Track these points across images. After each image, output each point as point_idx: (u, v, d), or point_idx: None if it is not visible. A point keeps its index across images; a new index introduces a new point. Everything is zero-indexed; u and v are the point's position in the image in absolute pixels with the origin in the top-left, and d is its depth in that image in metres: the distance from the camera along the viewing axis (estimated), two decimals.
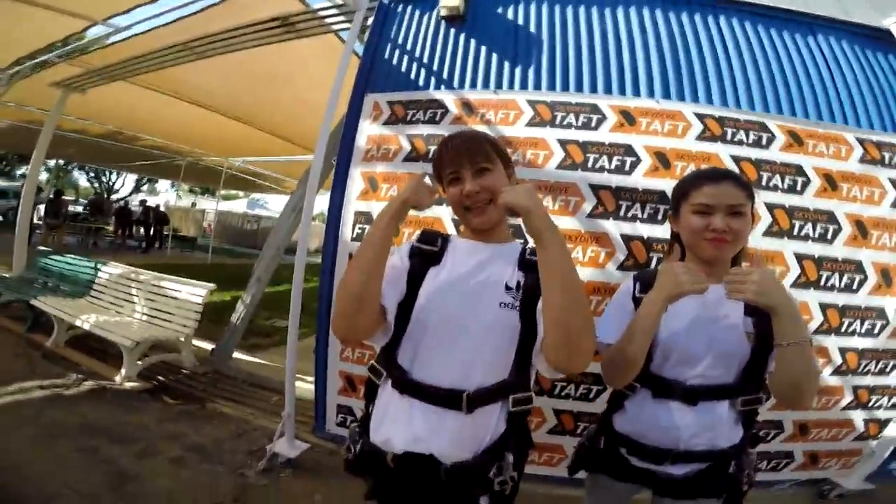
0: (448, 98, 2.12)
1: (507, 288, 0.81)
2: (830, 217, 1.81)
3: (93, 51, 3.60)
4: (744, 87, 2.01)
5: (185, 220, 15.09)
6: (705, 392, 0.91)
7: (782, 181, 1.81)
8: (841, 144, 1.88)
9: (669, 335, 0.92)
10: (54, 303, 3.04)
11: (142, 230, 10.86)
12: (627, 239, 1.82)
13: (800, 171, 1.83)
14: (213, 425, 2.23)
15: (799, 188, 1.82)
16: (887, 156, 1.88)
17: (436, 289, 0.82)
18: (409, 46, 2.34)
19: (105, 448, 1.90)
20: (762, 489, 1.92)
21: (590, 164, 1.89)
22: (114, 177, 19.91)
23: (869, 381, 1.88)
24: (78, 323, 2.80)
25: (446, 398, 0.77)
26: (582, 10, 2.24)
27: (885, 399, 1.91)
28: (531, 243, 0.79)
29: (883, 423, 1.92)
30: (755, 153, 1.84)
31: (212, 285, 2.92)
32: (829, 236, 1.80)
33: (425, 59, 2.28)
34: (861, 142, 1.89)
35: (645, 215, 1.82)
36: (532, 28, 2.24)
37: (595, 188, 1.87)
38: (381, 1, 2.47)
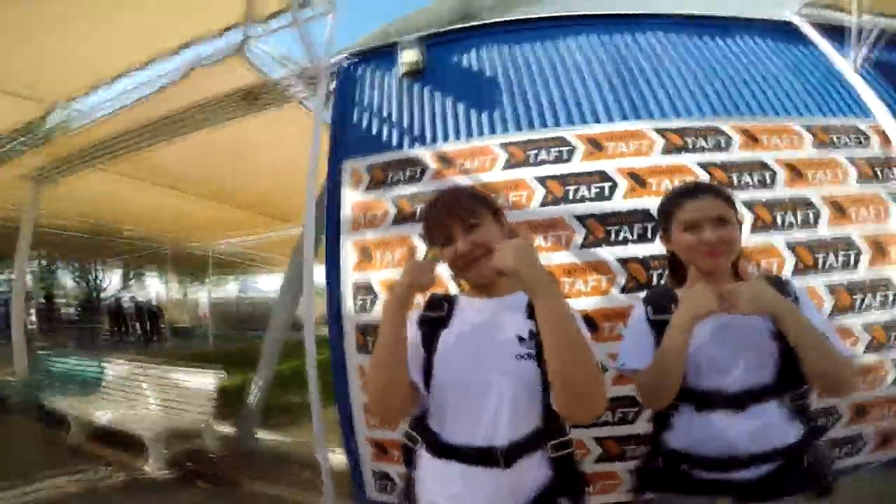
0: (424, 154, 2.22)
1: (521, 339, 0.82)
2: (808, 202, 1.92)
3: (56, 137, 3.65)
4: (689, 96, 2.19)
5: (178, 311, 15.12)
6: (748, 396, 0.91)
7: (752, 178, 1.94)
8: (792, 135, 2.04)
9: (695, 348, 0.93)
10: (67, 402, 3.20)
11: (137, 326, 11.20)
12: (624, 262, 1.87)
13: (764, 165, 1.96)
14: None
15: (769, 182, 1.94)
16: (834, 137, 2.04)
17: (447, 352, 0.85)
18: (375, 107, 2.46)
19: None
20: (843, 476, 1.85)
21: (571, 196, 1.99)
22: (100, 274, 19.82)
23: None
24: (95, 419, 2.94)
25: (480, 456, 0.78)
26: (528, 47, 2.46)
27: None
28: None
29: None
30: (719, 157, 1.98)
31: (221, 372, 3.00)
32: (811, 220, 1.90)
33: (394, 118, 2.39)
34: (808, 128, 2.06)
35: (635, 236, 1.89)
36: (489, 72, 2.42)
37: (581, 218, 1.95)
38: (340, 65, 2.62)
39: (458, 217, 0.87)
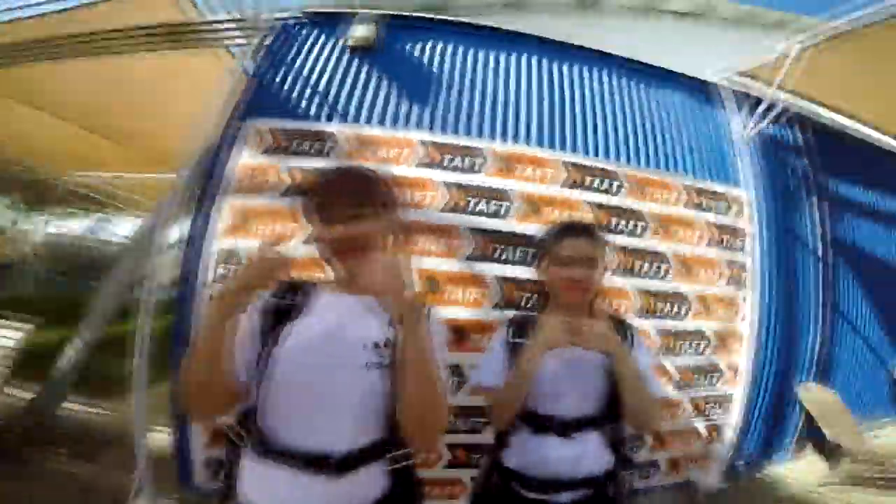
0: (339, 131, 2.14)
1: (375, 346, 0.78)
2: (662, 257, 2.22)
3: None
4: (603, 137, 2.36)
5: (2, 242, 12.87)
6: (576, 424, 1.03)
7: (627, 225, 2.19)
8: (672, 191, 2.31)
9: (545, 376, 1.03)
10: None
11: None
12: (502, 280, 2.04)
13: (640, 216, 2.22)
14: (47, 485, 2.01)
15: (639, 232, 2.21)
16: (704, 201, 2.36)
17: (293, 348, 0.77)
18: (305, 73, 2.31)
19: None
20: (640, 497, 2.24)
21: (470, 208, 2.08)
22: None
23: (701, 392, 2.33)
24: None
25: (313, 463, 0.73)
26: (486, 55, 2.45)
27: (717, 406, 2.38)
28: None
29: (720, 428, 2.39)
30: (607, 199, 2.19)
31: (29, 325, 2.49)
32: (661, 273, 2.21)
33: (321, 88, 2.26)
34: (687, 189, 2.35)
35: (516, 258, 2.05)
36: (437, 69, 2.37)
37: (474, 231, 2.06)
38: (286, 22, 2.40)
39: (348, 200, 0.81)
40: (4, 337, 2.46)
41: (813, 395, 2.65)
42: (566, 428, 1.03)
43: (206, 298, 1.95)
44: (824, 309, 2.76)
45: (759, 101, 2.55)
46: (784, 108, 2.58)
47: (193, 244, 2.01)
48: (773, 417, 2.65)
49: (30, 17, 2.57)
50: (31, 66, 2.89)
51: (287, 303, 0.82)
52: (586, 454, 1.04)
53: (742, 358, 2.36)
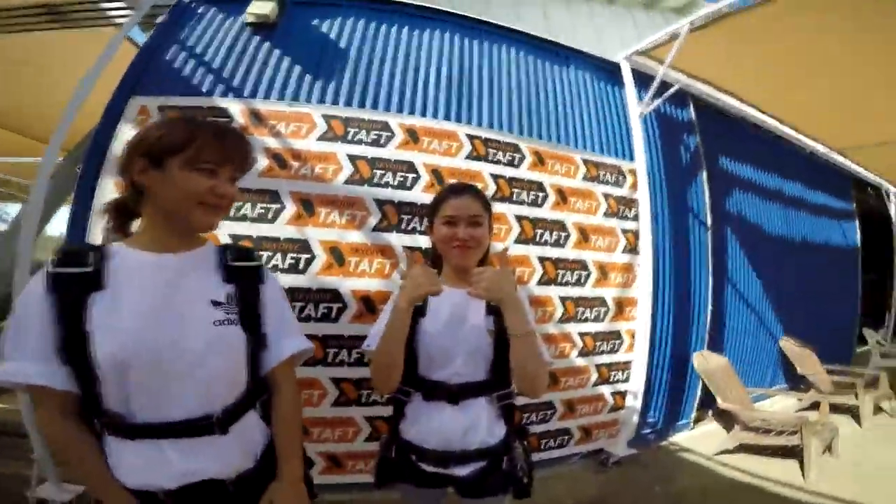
0: (234, 106, 2.22)
1: (216, 303, 0.84)
2: (562, 226, 2.53)
3: None
4: (507, 111, 2.62)
5: None
6: (462, 390, 1.08)
7: (528, 196, 2.47)
8: (571, 164, 2.63)
9: (429, 338, 1.08)
10: None
11: None
12: (408, 251, 2.20)
13: (540, 187, 2.51)
14: None
15: (540, 202, 2.50)
16: (601, 174, 2.72)
17: (120, 318, 0.77)
18: (200, 50, 2.38)
19: None
20: (556, 466, 2.53)
21: (376, 180, 2.24)
22: None
23: (605, 359, 2.67)
24: None
25: (195, 428, 0.80)
26: (393, 29, 2.64)
27: (620, 373, 2.73)
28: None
29: (624, 394, 2.73)
30: (509, 171, 2.45)
31: None
32: (561, 241, 2.52)
33: (215, 65, 2.34)
34: (585, 162, 2.69)
35: (423, 228, 2.24)
36: (342, 43, 2.51)
37: (380, 203, 2.21)
38: (180, 1, 2.47)
39: (240, 161, 0.88)
40: None
41: (707, 363, 3.08)
42: (455, 395, 1.09)
43: None
44: (715, 279, 3.29)
45: (654, 80, 3.01)
46: (678, 87, 3.05)
47: (77, 226, 2.02)
48: (674, 385, 3.06)
49: None
50: None
51: (80, 271, 0.81)
52: (477, 423, 1.09)
53: (639, 323, 2.75)
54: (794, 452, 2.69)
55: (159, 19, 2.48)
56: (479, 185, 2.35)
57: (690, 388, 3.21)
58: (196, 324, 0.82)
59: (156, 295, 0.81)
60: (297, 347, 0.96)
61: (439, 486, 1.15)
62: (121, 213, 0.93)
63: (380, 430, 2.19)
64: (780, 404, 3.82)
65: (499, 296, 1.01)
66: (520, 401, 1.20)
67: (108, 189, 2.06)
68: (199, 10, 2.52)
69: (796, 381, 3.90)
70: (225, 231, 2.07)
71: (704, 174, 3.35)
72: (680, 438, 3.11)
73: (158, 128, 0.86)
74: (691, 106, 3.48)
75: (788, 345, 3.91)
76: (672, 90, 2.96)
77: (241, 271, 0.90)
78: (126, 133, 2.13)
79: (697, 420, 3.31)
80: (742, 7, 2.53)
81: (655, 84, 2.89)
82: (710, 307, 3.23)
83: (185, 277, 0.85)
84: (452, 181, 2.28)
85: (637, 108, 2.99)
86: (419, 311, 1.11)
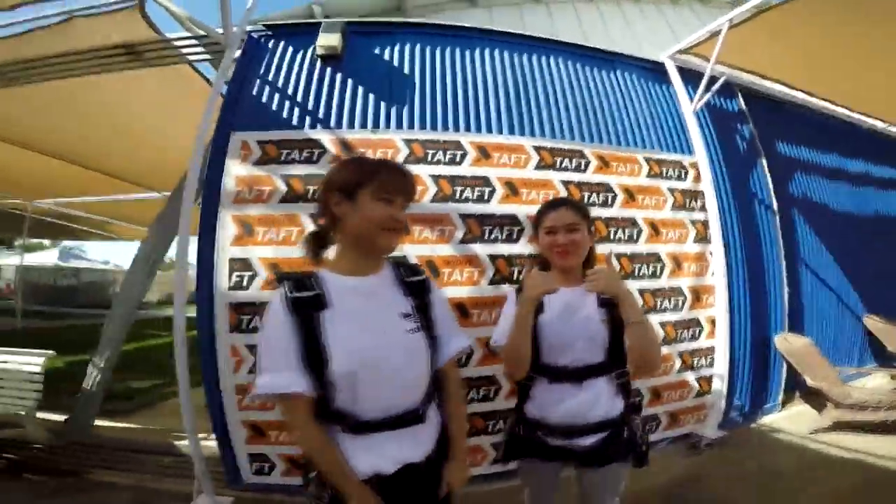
0: (325, 138, 2.44)
1: (406, 315, 1.02)
2: (633, 222, 2.65)
3: None
4: (567, 120, 2.78)
5: None
6: (585, 371, 1.24)
7: (598, 197, 2.61)
8: (634, 164, 2.76)
9: (548, 329, 1.25)
10: None
11: None
12: (493, 258, 2.39)
13: (608, 188, 2.65)
14: (106, 495, 2.26)
15: (610, 202, 2.63)
16: (664, 170, 2.83)
17: (344, 337, 0.93)
18: (280, 84, 2.59)
19: None
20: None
21: (457, 196, 2.45)
22: None
23: (686, 346, 2.73)
24: None
25: (406, 420, 0.99)
26: (447, 50, 2.85)
27: (703, 359, 2.77)
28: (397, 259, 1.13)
29: (709, 379, 2.78)
30: (577, 177, 2.61)
31: (50, 352, 2.87)
32: (634, 237, 2.64)
33: (299, 98, 2.55)
34: (647, 160, 2.80)
35: (504, 236, 2.42)
36: (405, 69, 2.73)
37: (463, 217, 2.42)
38: (251, 35, 2.68)
39: (409, 192, 1.06)
40: (29, 364, 2.82)
41: (790, 344, 3.06)
42: (578, 375, 1.25)
43: (225, 305, 2.21)
44: (788, 261, 3.26)
45: (701, 75, 3.06)
46: (725, 80, 3.13)
47: (204, 257, 2.27)
48: (758, 367, 3.07)
49: None
50: None
51: (309, 294, 0.98)
52: (599, 399, 1.25)
53: (718, 310, 2.79)
54: (893, 428, 2.63)
55: (227, 54, 2.50)
56: (551, 193, 2.50)
57: (775, 370, 3.20)
58: (395, 335, 1.00)
59: (365, 313, 0.99)
60: (460, 346, 1.14)
61: (562, 459, 1.31)
62: (317, 243, 1.10)
63: (477, 425, 2.34)
64: (873, 383, 3.64)
65: (614, 291, 1.19)
66: None
67: (227, 221, 2.31)
68: (269, 45, 2.73)
69: (886, 360, 3.70)
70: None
71: (764, 161, 3.34)
72: (770, 420, 3.09)
73: (346, 166, 1.06)
74: (739, 96, 3.50)
75: (873, 322, 3.76)
76: (719, 83, 3.03)
77: (415, 285, 1.08)
78: (234, 168, 2.36)
79: (785, 402, 3.26)
80: (777, 3, 2.60)
81: (705, 80, 2.97)
82: (786, 289, 3.18)
83: (380, 296, 1.03)
84: (546, 194, 2.47)
85: (689, 103, 3.05)
86: (538, 309, 1.28)
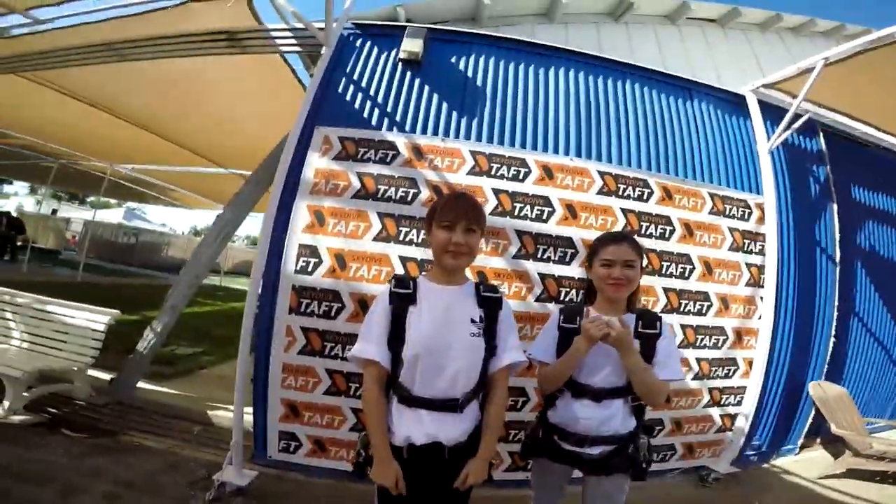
0: (400, 141, 2.50)
1: (473, 321, 1.22)
2: (688, 259, 2.62)
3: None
4: (635, 147, 2.73)
5: (43, 230, 13.88)
6: (606, 393, 1.36)
7: (656, 230, 2.58)
8: (698, 199, 2.70)
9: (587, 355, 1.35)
10: None
11: None
12: (543, 277, 2.45)
13: (668, 221, 2.61)
14: (138, 458, 2.27)
15: (667, 236, 2.60)
16: (727, 208, 2.74)
17: (420, 327, 1.19)
18: (364, 83, 2.64)
19: (19, 489, 1.87)
20: (657, 478, 2.62)
21: (516, 212, 2.48)
22: None
23: (718, 383, 2.73)
24: None
25: (446, 405, 1.18)
26: (521, 66, 2.80)
27: (732, 397, 2.77)
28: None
29: (734, 417, 2.78)
30: (638, 206, 2.58)
31: (116, 311, 2.91)
32: (686, 274, 2.61)
33: (380, 99, 2.60)
34: (712, 196, 2.73)
35: (556, 257, 2.46)
36: (479, 81, 2.71)
37: (519, 233, 2.46)
38: (341, 34, 2.69)
39: (467, 217, 1.23)
40: (94, 321, 2.87)
41: (823, 392, 3.00)
42: (598, 395, 1.37)
43: (289, 287, 2.34)
44: (839, 310, 3.11)
45: (782, 111, 2.88)
46: (809, 118, 2.91)
47: (275, 239, 2.37)
48: (785, 411, 3.03)
49: (93, 22, 2.97)
50: (90, 67, 3.33)
51: (405, 291, 1.26)
52: (612, 417, 1.37)
53: (757, 353, 2.74)
54: None
55: (325, 51, 2.57)
56: (610, 220, 2.46)
57: (801, 415, 3.16)
58: (459, 334, 1.21)
59: (440, 313, 1.22)
60: (513, 359, 1.27)
61: (570, 464, 1.43)
62: None
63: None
64: None
65: (618, 346, 1.31)
66: None
67: (302, 208, 2.41)
68: (357, 44, 2.74)
69: None
70: (396, 251, 2.39)
71: (834, 206, 3.14)
72: (782, 462, 3.08)
73: (433, 202, 1.36)
74: (821, 135, 3.24)
75: None
76: (801, 121, 2.80)
77: (489, 300, 1.27)
78: (314, 161, 2.45)
79: (803, 447, 3.17)
80: (880, 44, 2.40)
81: (788, 117, 2.78)
82: (832, 340, 3.03)
83: (456, 303, 1.25)
84: (605, 223, 2.46)
85: (766, 141, 2.86)
86: (576, 332, 1.40)
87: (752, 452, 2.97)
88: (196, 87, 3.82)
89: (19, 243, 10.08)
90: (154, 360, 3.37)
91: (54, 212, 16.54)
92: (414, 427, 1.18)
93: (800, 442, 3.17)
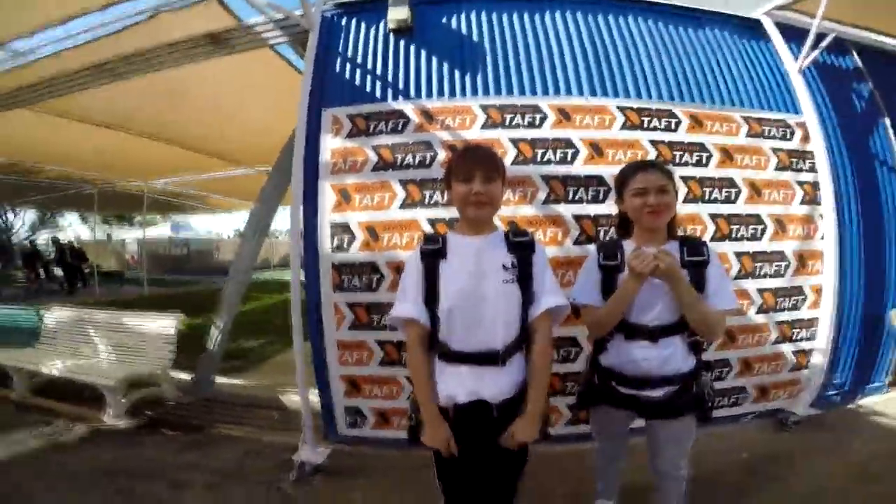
0: (408, 108, 2.44)
1: (505, 268, 1.13)
2: (731, 182, 2.40)
3: None
4: (653, 80, 2.57)
5: (103, 254, 14.62)
6: (661, 331, 1.26)
7: (691, 157, 2.39)
8: (731, 123, 2.49)
9: None
10: (7, 356, 3.17)
11: (58, 271, 10.62)
12: (578, 218, 2.29)
13: (703, 147, 2.42)
14: (226, 449, 2.43)
15: (704, 162, 2.40)
16: (766, 129, 2.52)
17: (452, 278, 1.13)
18: (359, 59, 2.61)
19: (139, 486, 2.06)
20: (731, 424, 2.39)
21: (539, 158, 2.35)
22: (10, 215, 18.60)
23: (786, 316, 2.46)
24: (45, 370, 2.94)
25: (486, 358, 1.10)
26: (515, 15, 2.69)
27: (804, 331, 2.50)
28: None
29: (808, 353, 2.50)
30: (668, 136, 2.40)
31: (180, 314, 3.11)
32: (732, 198, 2.39)
33: (378, 71, 2.56)
34: (746, 119, 2.52)
35: (589, 197, 2.31)
36: (475, 36, 2.63)
37: (546, 178, 2.33)
38: (324, 15, 2.69)
39: (483, 166, 1.14)
40: (164, 326, 3.07)
41: None
42: (653, 334, 1.27)
43: (329, 267, 2.32)
44: None
45: (804, 32, 2.66)
46: (836, 37, 2.69)
47: (308, 223, 2.37)
48: (866, 344, 2.70)
49: (76, 46, 2.91)
50: (95, 90, 3.35)
51: (435, 247, 1.20)
52: (672, 356, 1.27)
53: (825, 278, 2.46)
54: None
55: (311, 36, 2.53)
56: (640, 153, 2.30)
57: (885, 347, 2.80)
58: (493, 282, 1.13)
59: (470, 263, 1.16)
60: (554, 303, 1.16)
61: (631, 409, 1.34)
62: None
63: (555, 385, 2.25)
64: None
65: (668, 278, 1.21)
66: None
67: (327, 189, 2.40)
68: (343, 23, 2.71)
69: None
70: (424, 215, 2.29)
71: (887, 120, 2.88)
72: (871, 402, 2.72)
73: (447, 159, 1.32)
74: (854, 53, 3.01)
75: None
76: (827, 40, 2.64)
77: (519, 245, 1.18)
78: (328, 142, 2.43)
79: (893, 384, 2.78)
80: None
81: (811, 38, 2.60)
82: None
83: (485, 252, 1.17)
84: (631, 155, 2.29)
85: (793, 62, 2.64)
86: (618, 269, 1.31)
87: (833, 392, 2.65)
88: (205, 94, 3.83)
89: (87, 270, 10.73)
90: (225, 356, 3.57)
91: (109, 236, 17.53)
92: (456, 385, 1.13)
93: (887, 378, 2.80)
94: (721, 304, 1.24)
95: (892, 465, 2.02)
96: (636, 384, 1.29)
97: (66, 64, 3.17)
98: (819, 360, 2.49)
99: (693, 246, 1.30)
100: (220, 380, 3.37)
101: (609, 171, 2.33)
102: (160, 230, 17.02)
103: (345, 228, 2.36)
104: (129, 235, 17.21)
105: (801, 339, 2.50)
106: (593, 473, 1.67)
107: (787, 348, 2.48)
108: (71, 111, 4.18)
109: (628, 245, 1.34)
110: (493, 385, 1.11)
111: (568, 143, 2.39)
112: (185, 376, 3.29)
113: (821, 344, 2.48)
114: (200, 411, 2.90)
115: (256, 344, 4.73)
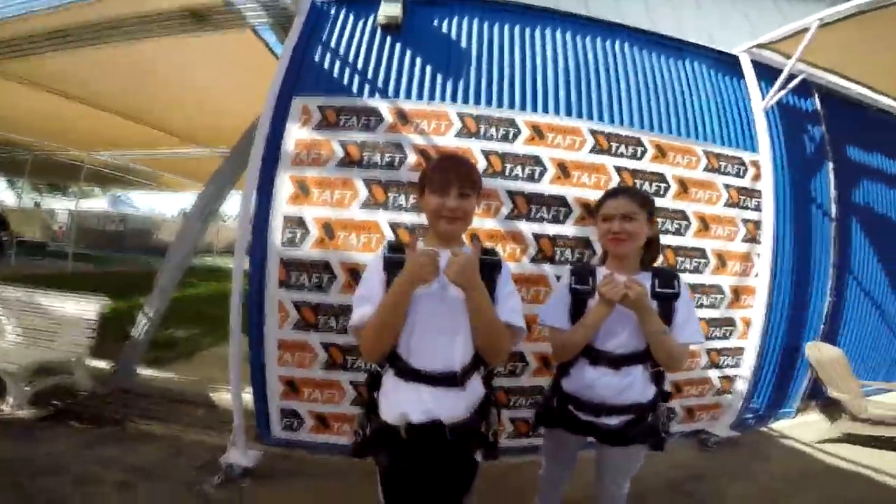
0: (383, 106, 2.37)
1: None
2: (683, 215, 2.51)
3: None
4: (627, 106, 2.60)
5: (27, 223, 13.48)
6: (624, 359, 1.25)
7: (650, 187, 2.47)
8: (693, 156, 2.59)
9: None
10: None
11: None
12: (537, 237, 2.33)
13: (662, 178, 2.50)
14: (144, 445, 2.24)
15: (662, 193, 2.49)
16: (722, 164, 2.64)
17: (416, 293, 1.04)
18: (342, 51, 2.49)
19: (32, 483, 1.84)
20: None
21: (507, 173, 2.36)
22: None
23: (717, 344, 2.64)
24: None
25: (445, 379, 1.06)
26: (507, 27, 2.63)
27: (730, 359, 2.68)
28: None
29: (732, 379, 2.69)
30: (632, 164, 2.47)
31: (106, 299, 2.82)
32: (682, 230, 2.51)
33: (359, 66, 2.46)
34: (706, 153, 2.62)
35: (550, 216, 2.35)
36: (463, 43, 2.56)
37: (511, 194, 2.34)
38: (314, 2, 2.56)
39: (460, 181, 1.09)
40: (85, 310, 2.77)
41: (820, 354, 2.89)
42: (616, 361, 1.26)
43: (278, 261, 2.23)
44: (836, 269, 3.01)
45: (777, 71, 2.75)
46: (803, 78, 2.78)
47: (260, 213, 2.26)
48: (782, 373, 2.95)
49: (52, 8, 2.68)
50: (56, 55, 3.08)
51: (400, 257, 1.09)
52: (631, 385, 1.26)
53: (755, 312, 2.64)
54: None
55: (297, 20, 2.46)
56: (603, 178, 2.32)
57: (798, 377, 3.08)
58: (454, 301, 1.07)
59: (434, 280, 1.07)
60: (512, 320, 1.10)
61: (586, 434, 1.32)
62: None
63: (500, 399, 2.21)
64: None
65: (635, 306, 1.21)
66: None
67: (285, 180, 2.29)
68: (332, 12, 2.59)
69: None
70: (385, 218, 2.25)
71: (830, 165, 3.05)
72: (780, 426, 2.99)
73: (423, 168, 1.22)
74: (816, 96, 3.13)
75: None
76: (796, 81, 2.70)
77: (487, 263, 1.12)
78: (294, 132, 2.32)
79: (800, 410, 3.10)
80: (876, 5, 2.27)
81: (782, 77, 2.68)
82: (828, 299, 2.92)
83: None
84: (597, 177, 2.31)
85: (760, 100, 2.73)
86: (589, 293, 1.30)
87: (750, 416, 2.89)
88: (175, 70, 3.60)
89: (4, 238, 9.65)
90: (153, 345, 3.28)
91: (37, 204, 16.12)
92: (411, 403, 1.06)
93: (797, 405, 3.08)
94: (686, 338, 1.25)
95: (798, 484, 2.25)
96: (593, 410, 1.28)
97: (33, 25, 2.85)
98: (741, 386, 2.69)
99: (665, 278, 1.30)
100: (144, 371, 3.09)
101: (572, 192, 2.38)
102: (96, 202, 15.44)
103: (299, 222, 2.25)
104: (61, 205, 15.62)
105: (727, 367, 2.69)
106: (536, 494, 1.64)
107: (714, 374, 2.67)
108: (28, 75, 3.81)
109: (601, 271, 1.34)
110: (452, 407, 1.07)
111: (537, 161, 2.40)
112: (104, 365, 3.01)
113: (745, 372, 2.68)
114: (118, 404, 2.65)
115: (188, 334, 4.28)
